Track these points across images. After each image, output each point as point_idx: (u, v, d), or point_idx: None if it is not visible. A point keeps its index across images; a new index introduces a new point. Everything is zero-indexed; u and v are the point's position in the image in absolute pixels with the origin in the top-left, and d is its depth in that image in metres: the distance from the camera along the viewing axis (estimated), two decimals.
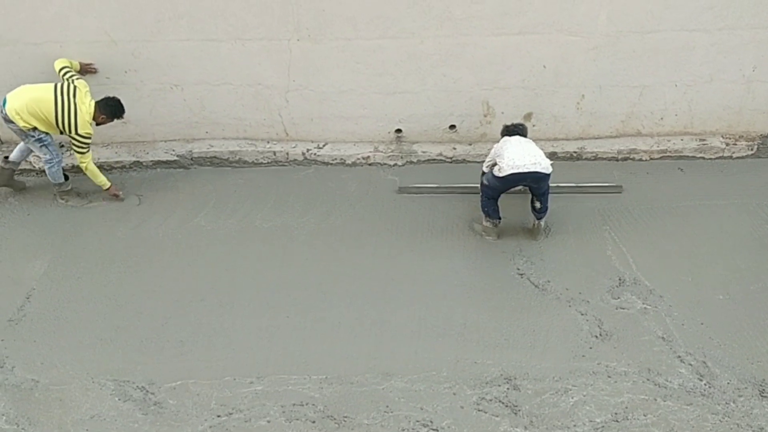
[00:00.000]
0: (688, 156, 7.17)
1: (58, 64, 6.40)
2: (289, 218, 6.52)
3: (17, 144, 6.67)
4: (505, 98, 6.99)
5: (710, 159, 7.18)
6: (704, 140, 7.23)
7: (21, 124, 6.13)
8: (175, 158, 7.13)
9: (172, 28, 6.50)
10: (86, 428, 4.74)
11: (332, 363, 5.16)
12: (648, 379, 5.00)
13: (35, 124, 6.17)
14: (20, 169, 6.92)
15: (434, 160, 7.18)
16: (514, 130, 6.29)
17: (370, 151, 7.19)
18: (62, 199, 6.70)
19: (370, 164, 7.15)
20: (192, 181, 6.99)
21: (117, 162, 7.06)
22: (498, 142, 6.22)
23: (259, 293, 5.74)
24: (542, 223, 6.26)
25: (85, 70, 6.60)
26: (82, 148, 6.26)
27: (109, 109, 6.32)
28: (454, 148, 7.25)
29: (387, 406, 4.85)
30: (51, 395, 4.95)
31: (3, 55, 6.58)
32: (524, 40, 6.60)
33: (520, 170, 5.83)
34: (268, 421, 4.77)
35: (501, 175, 5.92)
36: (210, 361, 5.18)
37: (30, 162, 6.97)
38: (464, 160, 7.18)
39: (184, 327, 5.45)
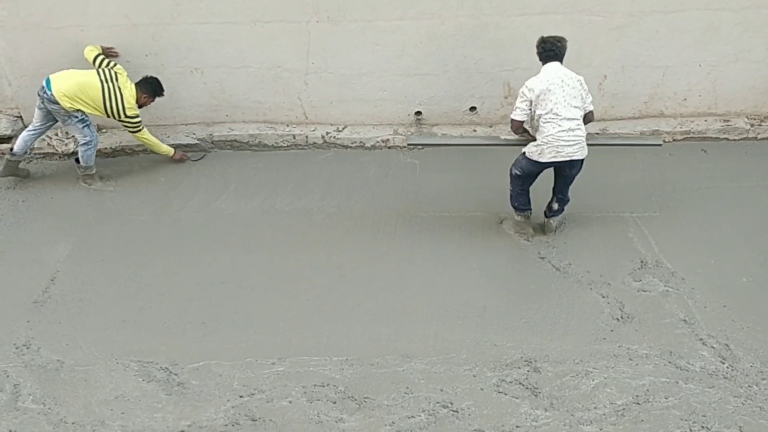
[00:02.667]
0: (711, 137, 7.09)
1: (90, 53, 6.48)
2: (309, 201, 6.53)
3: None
4: (526, 79, 6.90)
5: (734, 140, 7.09)
6: (728, 121, 7.14)
7: (67, 106, 6.24)
8: (196, 141, 7.16)
9: (191, 11, 6.52)
10: (111, 408, 4.81)
11: (353, 345, 5.18)
12: (669, 362, 4.97)
13: (80, 107, 6.30)
14: (43, 154, 7.00)
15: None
16: (552, 50, 5.42)
17: (390, 134, 7.18)
18: (86, 182, 6.77)
19: (389, 147, 7.13)
20: (212, 164, 7.02)
21: (138, 145, 7.10)
22: (534, 76, 5.42)
23: (280, 276, 5.77)
24: (553, 222, 6.01)
25: (107, 54, 6.64)
26: (136, 127, 6.48)
27: (150, 87, 6.49)
28: (475, 130, 7.21)
29: (407, 388, 4.88)
30: (76, 376, 5.02)
31: (25, 40, 6.64)
32: (546, 20, 6.52)
33: (563, 158, 5.39)
34: (290, 402, 4.81)
35: (540, 159, 5.45)
36: (232, 342, 5.23)
37: (53, 146, 7.04)
38: None
39: (206, 309, 5.50)
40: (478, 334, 5.23)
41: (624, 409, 4.69)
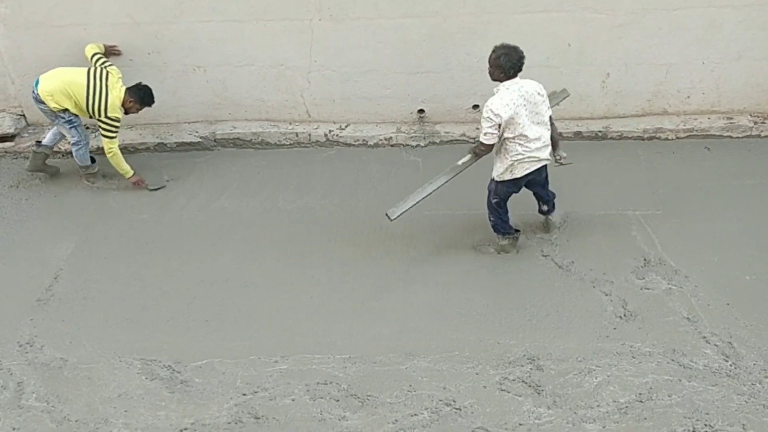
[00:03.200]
0: (715, 135, 7.06)
1: (89, 51, 6.44)
2: (312, 199, 6.53)
3: (45, 126, 6.74)
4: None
5: (738, 138, 7.07)
6: (732, 119, 7.12)
7: (52, 105, 6.19)
8: (199, 140, 7.16)
9: (193, 9, 6.51)
10: (114, 406, 4.82)
11: (356, 343, 5.19)
12: (673, 360, 4.97)
13: (66, 106, 6.23)
14: (62, 152, 7.00)
15: (457, 140, 7.14)
16: (519, 65, 5.20)
17: (393, 132, 7.17)
18: (88, 181, 6.76)
19: (392, 145, 7.13)
20: (215, 162, 7.03)
21: (141, 144, 7.11)
22: (494, 92, 5.25)
23: (283, 274, 5.77)
24: (553, 218, 5.97)
25: (110, 52, 6.63)
26: (111, 132, 6.28)
27: (140, 95, 6.32)
28: (478, 128, 7.18)
29: (410, 386, 4.88)
30: (79, 374, 5.04)
31: (28, 38, 6.64)
32: (549, 18, 6.52)
33: (535, 168, 5.34)
34: (293, 400, 4.82)
35: (514, 176, 5.38)
36: (235, 340, 5.24)
37: (57, 145, 7.03)
38: None
39: (209, 307, 5.51)
40: (480, 332, 5.23)
41: (627, 407, 4.69)
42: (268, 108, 7.20)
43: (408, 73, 6.88)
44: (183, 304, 5.53)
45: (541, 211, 5.98)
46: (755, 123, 7.06)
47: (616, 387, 4.82)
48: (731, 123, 7.07)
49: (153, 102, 6.43)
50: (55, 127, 6.59)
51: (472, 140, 7.11)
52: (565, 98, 6.24)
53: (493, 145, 5.38)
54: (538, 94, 5.30)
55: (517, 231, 5.87)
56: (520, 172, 5.40)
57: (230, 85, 7.02)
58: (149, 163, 6.98)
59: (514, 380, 4.89)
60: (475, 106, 7.14)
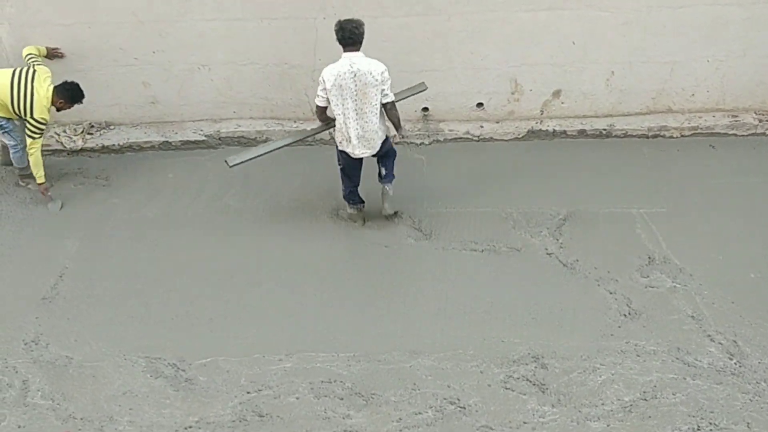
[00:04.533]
0: (719, 133, 7.06)
1: (24, 51, 6.39)
2: (316, 197, 6.53)
3: (49, 125, 6.73)
4: (533, 75, 6.92)
5: (742, 136, 7.06)
6: (736, 117, 7.10)
7: None
8: (203, 138, 7.17)
9: (198, 7, 6.52)
10: (119, 404, 4.83)
11: (360, 341, 5.19)
12: (677, 358, 4.96)
13: None
14: (51, 150, 7.01)
15: (461, 138, 7.15)
16: (350, 37, 5.37)
17: None
18: (23, 182, 6.70)
19: (396, 143, 7.10)
20: (220, 160, 7.01)
21: (146, 142, 7.13)
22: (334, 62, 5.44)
23: (287, 271, 5.78)
24: (389, 188, 6.07)
25: (53, 55, 6.60)
26: (35, 133, 6.16)
27: (68, 94, 6.22)
28: (482, 126, 7.21)
29: (414, 384, 4.88)
30: (84, 372, 5.05)
31: (34, 37, 6.64)
32: (553, 16, 6.52)
33: (354, 154, 5.65)
34: (297, 398, 4.82)
35: (339, 148, 5.71)
36: (239, 338, 5.24)
37: (62, 143, 7.06)
38: (491, 138, 7.13)
39: (213, 305, 5.51)
40: (485, 330, 5.22)
41: (631, 405, 4.69)
42: (273, 106, 7.20)
43: (412, 72, 6.86)
44: (187, 302, 5.54)
45: (378, 177, 6.06)
46: (760, 121, 7.05)
47: (620, 385, 4.81)
48: (736, 121, 7.06)
49: (83, 98, 6.30)
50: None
51: (476, 138, 7.12)
52: (421, 92, 6.30)
53: (323, 108, 5.69)
54: (371, 74, 5.42)
55: (362, 203, 6.11)
56: (348, 149, 5.66)
57: (235, 83, 7.03)
58: (153, 162, 6.99)
59: (518, 378, 4.89)
60: (480, 104, 7.14)
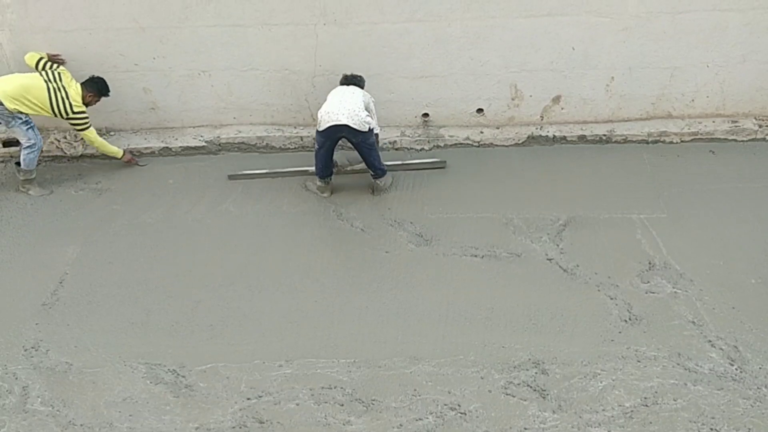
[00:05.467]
0: (719, 138, 7.06)
1: (30, 58, 6.52)
2: (316, 203, 6.54)
3: (50, 131, 6.77)
4: (533, 81, 6.93)
5: (742, 141, 7.06)
6: (736, 122, 7.11)
7: (10, 107, 6.26)
8: (204, 144, 7.18)
9: (199, 13, 6.54)
10: (119, 410, 4.82)
11: (360, 347, 5.18)
12: (678, 364, 4.96)
13: (23, 108, 6.32)
14: (51, 156, 7.03)
15: (461, 144, 7.15)
16: (344, 80, 6.45)
17: (397, 136, 7.18)
18: (23, 188, 6.75)
19: (396, 149, 7.14)
20: (220, 166, 7.04)
21: (146, 148, 7.13)
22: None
23: (287, 277, 5.78)
24: (379, 182, 6.56)
25: (53, 61, 6.65)
26: (83, 124, 6.49)
27: (95, 86, 6.55)
28: (482, 132, 7.21)
29: (415, 390, 4.87)
30: (84, 378, 5.04)
31: (35, 43, 6.66)
32: (553, 22, 6.53)
33: (334, 123, 6.08)
34: (297, 404, 4.81)
35: (320, 129, 6.19)
36: (239, 344, 5.24)
37: (62, 149, 7.07)
38: (492, 144, 7.14)
39: (213, 311, 5.51)
40: (485, 336, 5.22)
41: (632, 411, 4.68)
42: (273, 112, 7.21)
43: (412, 78, 6.89)
44: (188, 308, 5.54)
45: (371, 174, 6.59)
46: (760, 126, 7.05)
47: (621, 391, 4.80)
48: (736, 126, 7.06)
49: (109, 91, 6.63)
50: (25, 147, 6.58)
51: (476, 143, 7.13)
52: (436, 167, 6.88)
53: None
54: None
55: (330, 176, 6.57)
56: (321, 127, 6.22)
57: (235, 89, 7.04)
58: (153, 168, 7.00)
59: (519, 384, 4.88)
60: (480, 110, 7.14)
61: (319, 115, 6.22)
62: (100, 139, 6.69)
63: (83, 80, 6.56)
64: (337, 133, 6.16)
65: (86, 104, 6.52)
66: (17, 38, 6.68)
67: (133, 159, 6.96)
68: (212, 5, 6.48)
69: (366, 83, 6.54)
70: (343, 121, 6.06)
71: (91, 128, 6.57)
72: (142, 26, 6.61)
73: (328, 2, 6.45)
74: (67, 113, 6.39)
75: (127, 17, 6.56)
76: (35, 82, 6.35)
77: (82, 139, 7.01)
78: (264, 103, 7.15)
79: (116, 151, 6.81)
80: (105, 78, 6.59)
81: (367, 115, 6.19)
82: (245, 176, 6.84)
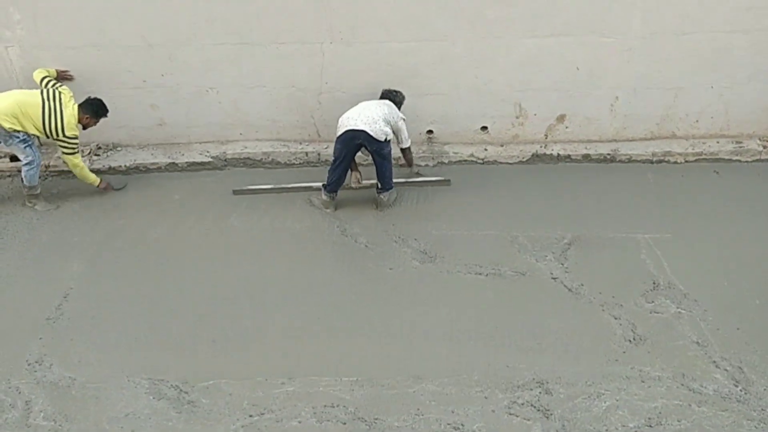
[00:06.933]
0: (724, 159, 7.07)
1: (38, 75, 6.55)
2: (320, 218, 6.56)
3: (56, 147, 6.79)
4: (537, 100, 6.96)
5: (747, 162, 7.07)
6: (741, 143, 7.12)
7: (7, 125, 6.25)
8: (210, 159, 7.21)
9: (207, 31, 6.59)
10: (121, 426, 4.81)
11: (363, 365, 5.17)
12: (682, 384, 4.94)
13: (19, 127, 6.29)
14: (57, 171, 7.07)
15: (465, 160, 7.18)
16: (381, 95, 6.62)
17: None
18: (30, 202, 6.77)
19: (401, 165, 7.15)
20: (225, 181, 7.07)
21: (153, 163, 7.17)
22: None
23: (291, 294, 5.78)
24: (383, 197, 6.63)
25: (62, 77, 6.70)
26: (71, 149, 6.42)
27: (92, 108, 6.45)
28: (486, 150, 7.23)
29: (418, 409, 4.86)
30: (87, 393, 5.04)
31: (44, 59, 6.72)
32: (557, 42, 6.56)
33: (351, 127, 6.21)
34: (300, 422, 4.80)
35: (338, 133, 6.31)
36: (242, 361, 5.23)
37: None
38: (496, 161, 7.16)
39: (217, 327, 5.51)
40: (489, 355, 5.21)
41: (636, 431, 4.65)
42: (279, 128, 7.25)
43: (417, 95, 6.92)
44: (191, 324, 5.54)
45: (376, 189, 6.68)
46: (764, 147, 7.07)
47: (625, 411, 4.78)
48: (740, 147, 7.07)
49: (107, 112, 6.54)
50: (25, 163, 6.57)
51: (481, 161, 7.16)
52: (441, 183, 6.97)
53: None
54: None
55: (335, 192, 6.60)
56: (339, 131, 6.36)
57: (242, 105, 7.08)
58: (160, 183, 7.03)
59: (522, 404, 4.86)
60: (484, 128, 7.17)
61: (339, 121, 6.36)
62: (83, 165, 6.60)
63: (82, 101, 6.46)
64: (354, 139, 6.26)
65: (84, 126, 6.46)
66: (27, 54, 6.74)
67: (108, 186, 6.85)
68: (220, 23, 6.54)
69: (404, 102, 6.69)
70: (361, 127, 6.19)
71: (78, 155, 6.50)
72: (150, 43, 6.67)
73: (335, 21, 6.50)
74: (57, 135, 6.32)
75: (135, 34, 6.61)
76: (32, 99, 6.30)
77: (89, 154, 7.06)
78: (270, 120, 7.19)
79: (95, 179, 6.71)
80: (113, 94, 6.59)
81: (386, 125, 6.31)
82: (250, 191, 6.87)
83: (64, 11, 6.49)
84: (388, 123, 6.35)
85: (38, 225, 6.57)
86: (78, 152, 6.51)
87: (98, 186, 6.78)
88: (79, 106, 6.42)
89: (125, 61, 6.75)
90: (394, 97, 6.61)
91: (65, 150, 6.43)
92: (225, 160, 7.24)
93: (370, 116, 6.26)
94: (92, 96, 6.52)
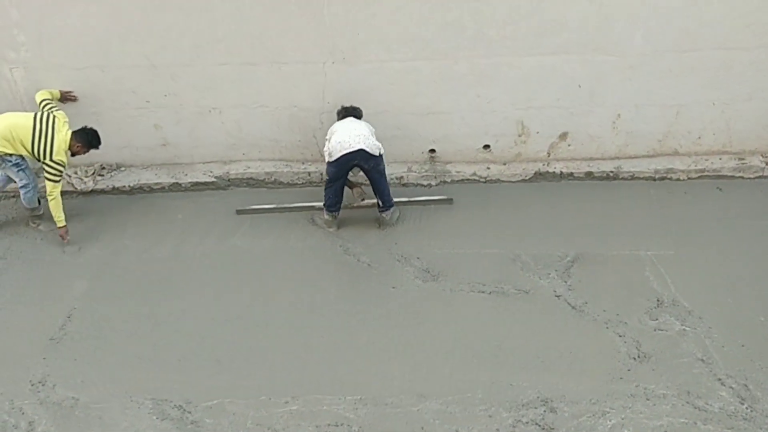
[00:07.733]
0: (726, 175, 7.07)
1: (39, 97, 6.54)
2: (323, 238, 6.56)
3: None
4: (539, 118, 6.98)
5: (749, 178, 7.07)
6: (743, 159, 7.13)
7: None
8: (213, 179, 7.23)
9: (210, 52, 6.63)
10: None
11: (367, 384, 5.16)
12: (687, 402, 4.91)
13: (11, 149, 6.27)
14: (62, 192, 7.05)
15: (468, 179, 7.18)
16: (344, 112, 6.58)
17: (404, 171, 7.22)
18: (33, 223, 6.79)
19: (403, 184, 7.17)
20: (228, 201, 7.08)
21: (156, 183, 7.19)
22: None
23: (294, 313, 5.78)
24: (385, 215, 6.61)
25: (66, 98, 6.73)
26: (55, 176, 6.30)
27: (86, 137, 6.38)
28: (488, 168, 7.24)
29: (422, 428, 4.84)
30: (91, 413, 5.03)
31: (49, 79, 6.76)
32: (559, 60, 6.59)
33: (348, 150, 6.18)
34: None
35: (332, 159, 6.28)
36: (246, 380, 5.23)
37: (72, 184, 7.14)
38: (498, 180, 7.17)
39: (220, 346, 5.51)
40: (493, 373, 5.19)
41: None
42: (282, 148, 7.28)
43: (419, 114, 6.95)
44: (194, 343, 5.54)
45: (377, 205, 6.65)
46: (767, 163, 7.06)
47: (630, 430, 4.76)
48: (743, 163, 7.08)
49: (99, 144, 6.48)
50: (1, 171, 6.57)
51: (483, 179, 7.17)
52: (443, 201, 6.98)
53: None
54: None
55: (337, 212, 6.61)
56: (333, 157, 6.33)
57: (245, 126, 7.11)
58: (163, 203, 7.05)
59: (527, 423, 4.84)
60: (486, 146, 7.19)
61: (328, 149, 6.34)
62: (59, 199, 6.41)
63: (77, 129, 6.40)
64: (350, 161, 6.26)
65: (73, 153, 6.39)
66: (31, 75, 6.78)
67: (65, 235, 6.55)
68: (223, 44, 6.58)
69: (365, 115, 6.69)
70: (356, 147, 6.18)
71: (58, 185, 6.35)
72: (153, 64, 6.71)
73: (337, 41, 6.54)
74: (45, 157, 6.23)
75: (139, 55, 6.66)
76: (24, 121, 6.26)
77: (93, 174, 7.07)
78: (273, 140, 7.22)
79: (62, 219, 6.48)
80: (117, 114, 6.60)
81: (375, 139, 6.35)
82: (253, 211, 6.89)
83: (69, 33, 6.54)
84: (374, 136, 6.40)
85: (42, 245, 6.59)
86: (60, 183, 6.36)
87: (58, 227, 6.51)
88: (74, 132, 6.34)
89: (129, 81, 6.79)
90: (358, 114, 6.61)
91: (49, 176, 6.30)
92: (228, 180, 7.26)
93: (361, 133, 6.27)
94: (88, 126, 6.47)
